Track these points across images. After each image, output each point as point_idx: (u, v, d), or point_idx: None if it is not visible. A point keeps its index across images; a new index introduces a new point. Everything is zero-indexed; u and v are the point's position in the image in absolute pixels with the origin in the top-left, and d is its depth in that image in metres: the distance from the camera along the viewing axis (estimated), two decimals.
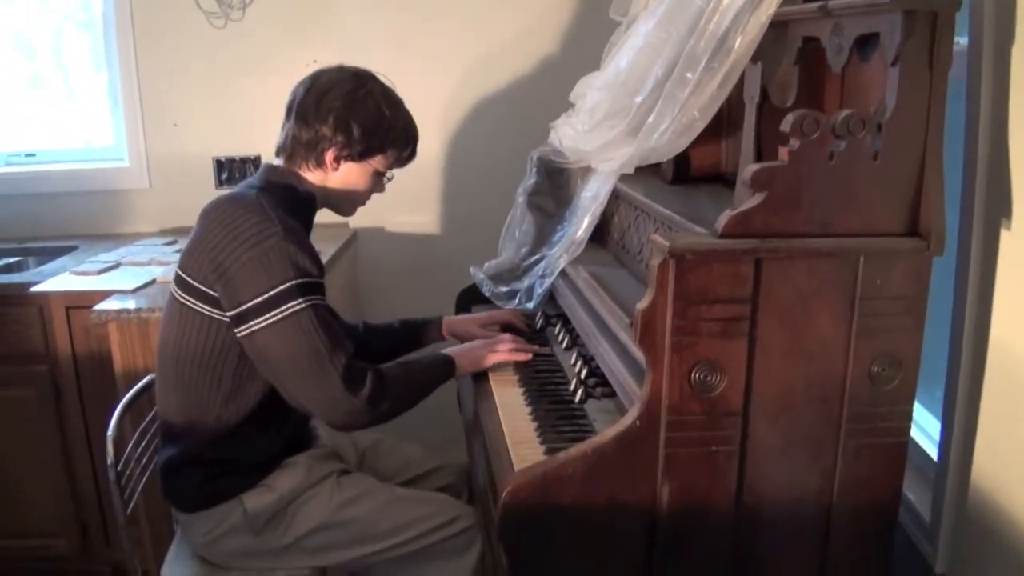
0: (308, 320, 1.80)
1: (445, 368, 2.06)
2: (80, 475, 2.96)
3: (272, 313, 1.79)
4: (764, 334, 1.45)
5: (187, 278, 1.87)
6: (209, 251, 1.83)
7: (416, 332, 2.38)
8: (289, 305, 1.80)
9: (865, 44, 1.52)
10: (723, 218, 1.42)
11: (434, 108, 3.19)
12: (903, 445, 1.56)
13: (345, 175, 2.00)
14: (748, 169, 1.42)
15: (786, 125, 1.40)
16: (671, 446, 1.47)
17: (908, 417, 1.55)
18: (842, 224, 1.44)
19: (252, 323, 1.80)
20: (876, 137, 1.43)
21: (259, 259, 1.79)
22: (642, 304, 1.44)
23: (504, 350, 2.13)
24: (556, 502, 1.49)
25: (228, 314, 1.82)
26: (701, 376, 1.44)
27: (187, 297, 1.87)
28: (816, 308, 1.46)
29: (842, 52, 1.54)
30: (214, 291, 1.83)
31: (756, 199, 1.41)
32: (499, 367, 2.15)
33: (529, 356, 2.16)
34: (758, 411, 1.49)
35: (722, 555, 1.54)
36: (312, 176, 2.00)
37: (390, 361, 2.05)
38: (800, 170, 1.41)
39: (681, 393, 1.45)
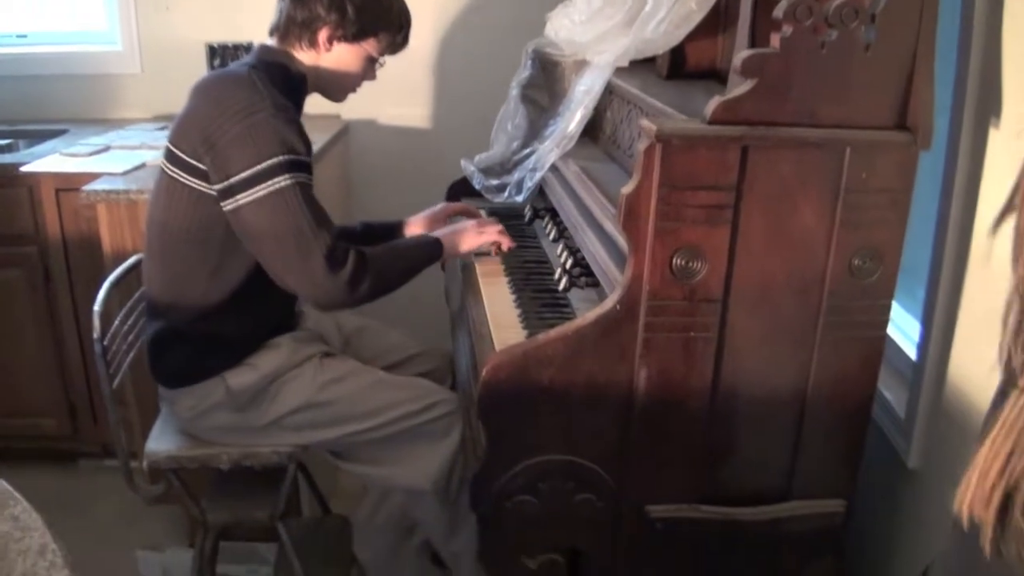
0: (293, 197, 1.81)
1: (431, 249, 2.06)
2: (69, 357, 2.99)
3: (258, 188, 1.79)
4: (747, 222, 1.46)
5: (176, 151, 1.87)
6: (198, 124, 1.83)
7: (376, 235, 2.34)
8: (275, 180, 1.80)
9: None
10: (712, 104, 1.41)
11: None
12: (880, 340, 1.58)
13: (338, 57, 2.00)
14: (739, 55, 1.41)
15: (779, 11, 1.39)
16: (650, 330, 1.49)
17: (887, 311, 1.57)
18: (831, 115, 1.44)
19: (238, 197, 1.81)
20: (869, 28, 1.42)
21: (247, 133, 1.79)
22: (627, 188, 1.44)
23: (492, 231, 2.13)
24: (535, 381, 1.51)
25: (216, 187, 1.83)
26: (682, 262, 1.45)
27: (176, 171, 1.88)
28: (800, 199, 1.46)
29: None
30: (202, 164, 1.83)
31: (746, 86, 1.40)
32: (486, 259, 2.16)
33: (514, 244, 2.17)
34: (737, 299, 1.50)
35: (696, 439, 1.57)
36: (305, 56, 1.99)
37: None
38: (791, 58, 1.40)
39: (662, 278, 1.46)
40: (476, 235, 2.12)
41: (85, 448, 3.13)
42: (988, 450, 0.72)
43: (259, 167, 1.80)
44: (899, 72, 1.44)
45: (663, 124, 1.40)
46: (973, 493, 0.73)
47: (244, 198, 1.81)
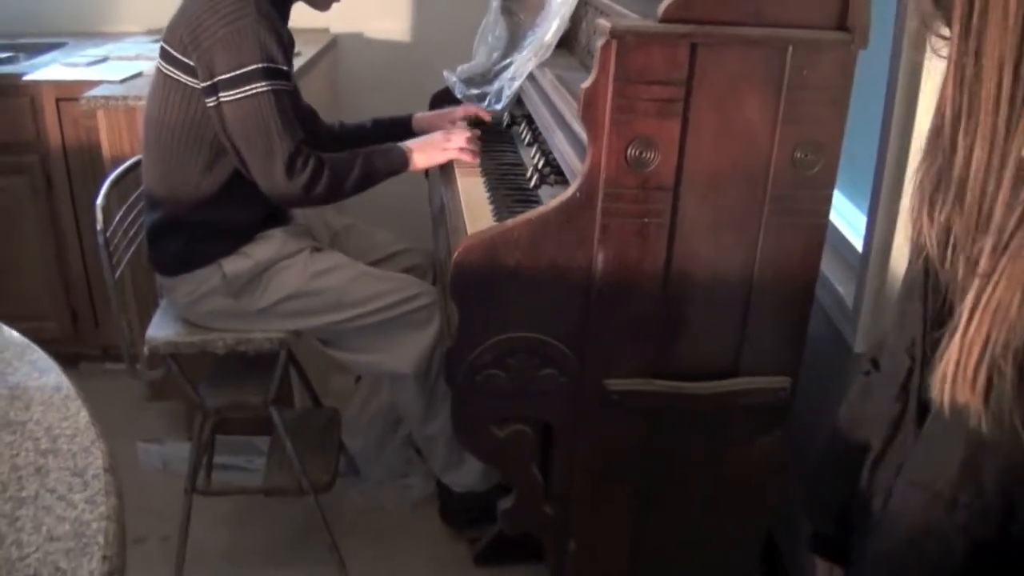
0: (267, 102, 1.96)
1: (398, 158, 2.18)
2: (70, 262, 3.12)
3: (238, 90, 1.95)
4: (696, 115, 1.57)
5: (169, 49, 2.01)
6: (189, 23, 1.96)
7: (387, 130, 2.49)
8: (253, 86, 1.94)
9: None
10: (664, 3, 1.52)
11: None
12: (822, 227, 1.71)
13: None
14: None
15: None
16: (607, 216, 1.62)
17: (828, 201, 1.69)
18: (775, 15, 1.54)
19: (219, 96, 1.96)
20: None
21: (232, 36, 1.93)
22: (586, 83, 1.56)
23: (454, 148, 2.22)
24: (503, 263, 1.64)
25: (201, 85, 1.96)
26: (637, 152, 1.58)
27: (169, 68, 2.01)
28: (746, 93, 1.58)
29: None
30: (191, 61, 1.97)
31: None
32: (465, 163, 2.27)
33: (475, 159, 2.24)
34: (688, 188, 1.62)
35: (650, 317, 1.70)
36: None
37: None
38: None
39: (618, 167, 1.58)
40: (439, 152, 2.23)
41: (86, 351, 3.27)
42: (960, 340, 0.75)
43: (240, 71, 1.94)
44: None
45: (618, 22, 1.52)
46: (954, 383, 0.76)
47: (224, 98, 1.96)
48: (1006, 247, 0.71)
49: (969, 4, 0.72)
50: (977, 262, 0.74)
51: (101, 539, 0.90)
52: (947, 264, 0.80)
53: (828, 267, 2.11)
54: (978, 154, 0.73)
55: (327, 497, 2.43)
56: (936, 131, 0.79)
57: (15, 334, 1.29)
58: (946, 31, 0.75)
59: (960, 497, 0.86)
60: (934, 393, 0.79)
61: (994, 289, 0.72)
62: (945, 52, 0.76)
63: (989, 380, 0.74)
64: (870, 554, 1.00)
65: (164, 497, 2.61)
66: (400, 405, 2.34)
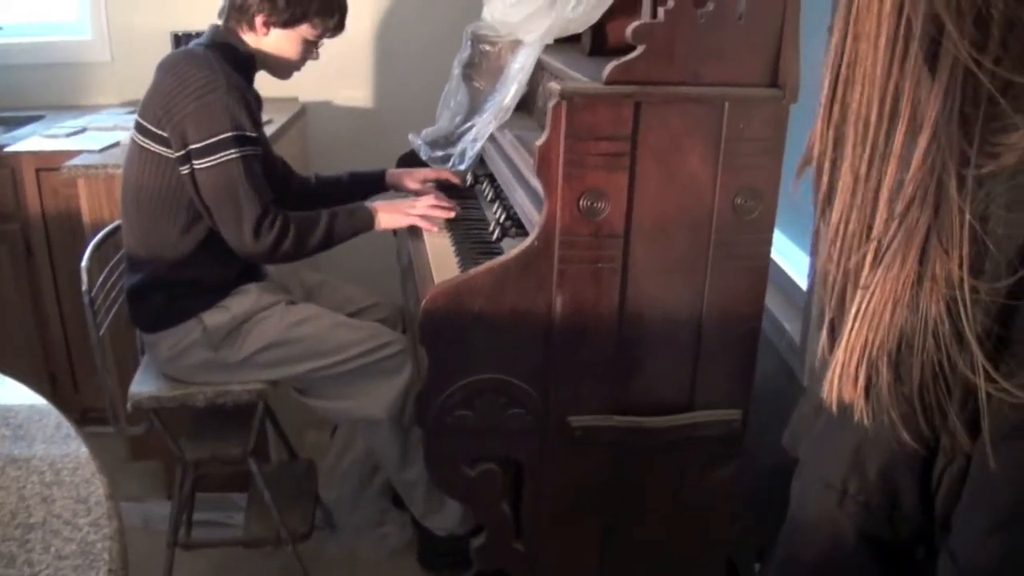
0: (237, 169, 2.09)
1: (364, 219, 2.29)
2: (50, 328, 3.19)
3: (210, 158, 2.08)
4: (642, 168, 1.71)
5: (144, 122, 2.14)
6: (162, 98, 2.10)
7: (362, 184, 2.63)
8: (224, 153, 2.08)
9: None
10: (608, 67, 1.66)
11: None
12: (764, 268, 1.83)
13: (275, 41, 2.24)
14: (630, 26, 1.67)
15: None
16: (563, 263, 1.74)
17: (768, 243, 1.82)
18: (711, 75, 1.69)
19: (193, 163, 2.09)
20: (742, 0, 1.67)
21: (203, 109, 2.06)
22: (540, 141, 1.69)
23: (416, 214, 2.32)
24: (468, 308, 1.75)
25: (175, 154, 2.09)
26: (588, 203, 1.70)
27: (144, 140, 2.13)
28: (687, 147, 1.71)
29: None
30: (164, 132, 2.10)
31: (637, 51, 1.66)
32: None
33: (433, 227, 2.32)
34: (637, 235, 1.75)
35: (608, 356, 1.82)
36: (248, 38, 2.24)
37: None
38: (674, 27, 1.65)
39: (571, 217, 1.71)
40: (403, 215, 2.33)
41: (65, 415, 3.31)
42: (845, 345, 0.85)
43: (211, 140, 2.08)
44: (769, 38, 1.69)
45: (567, 85, 1.66)
46: (840, 381, 0.85)
47: (197, 165, 2.09)
48: (881, 260, 0.81)
49: (838, 62, 0.83)
50: (858, 275, 0.84)
51: (106, 556, 0.99)
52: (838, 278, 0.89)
53: (777, 306, 2.24)
54: (859, 176, 0.83)
55: (305, 548, 2.51)
56: (817, 165, 0.89)
57: (13, 381, 1.39)
58: None
59: (849, 489, 0.95)
60: (824, 393, 0.89)
61: (870, 299, 0.82)
62: None
63: (868, 379, 0.84)
64: (776, 548, 1.10)
65: (146, 553, 2.66)
66: (376, 451, 2.43)
